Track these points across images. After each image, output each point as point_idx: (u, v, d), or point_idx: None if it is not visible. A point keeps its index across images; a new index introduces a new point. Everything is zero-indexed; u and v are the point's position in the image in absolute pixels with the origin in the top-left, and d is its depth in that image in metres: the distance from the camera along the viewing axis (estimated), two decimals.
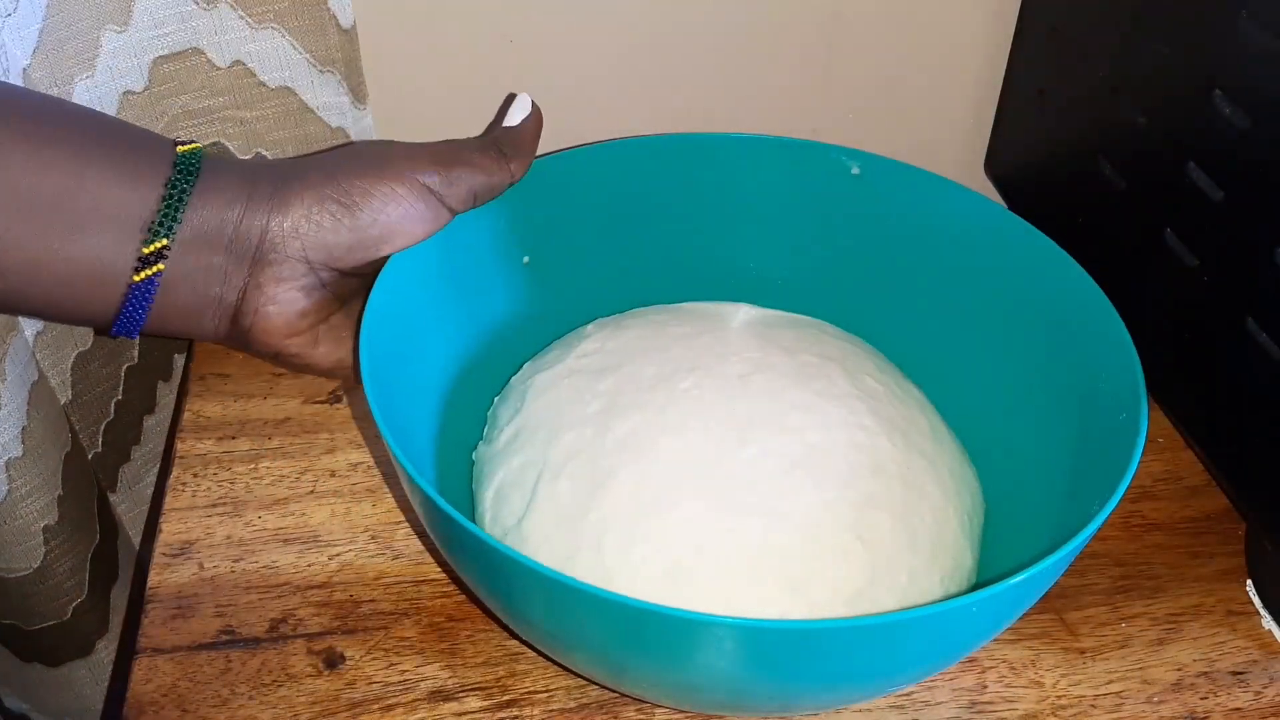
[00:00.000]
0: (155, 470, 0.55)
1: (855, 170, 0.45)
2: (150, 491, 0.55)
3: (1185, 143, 0.41)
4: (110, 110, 0.45)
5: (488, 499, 0.40)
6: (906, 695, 0.38)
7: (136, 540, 0.54)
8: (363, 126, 0.50)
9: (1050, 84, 0.51)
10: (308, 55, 0.47)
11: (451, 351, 0.43)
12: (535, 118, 0.42)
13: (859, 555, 0.36)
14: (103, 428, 0.51)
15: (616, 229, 0.47)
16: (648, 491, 0.37)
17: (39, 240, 0.34)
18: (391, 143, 0.40)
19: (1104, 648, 0.40)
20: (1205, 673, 0.39)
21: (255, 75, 0.47)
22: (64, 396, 0.47)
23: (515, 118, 0.42)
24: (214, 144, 0.49)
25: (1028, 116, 0.54)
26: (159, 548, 0.42)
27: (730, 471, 0.37)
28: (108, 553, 0.49)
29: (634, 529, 0.36)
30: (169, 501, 0.44)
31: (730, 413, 0.39)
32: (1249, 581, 0.42)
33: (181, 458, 0.46)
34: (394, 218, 0.38)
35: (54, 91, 0.42)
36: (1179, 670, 0.39)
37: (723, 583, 0.35)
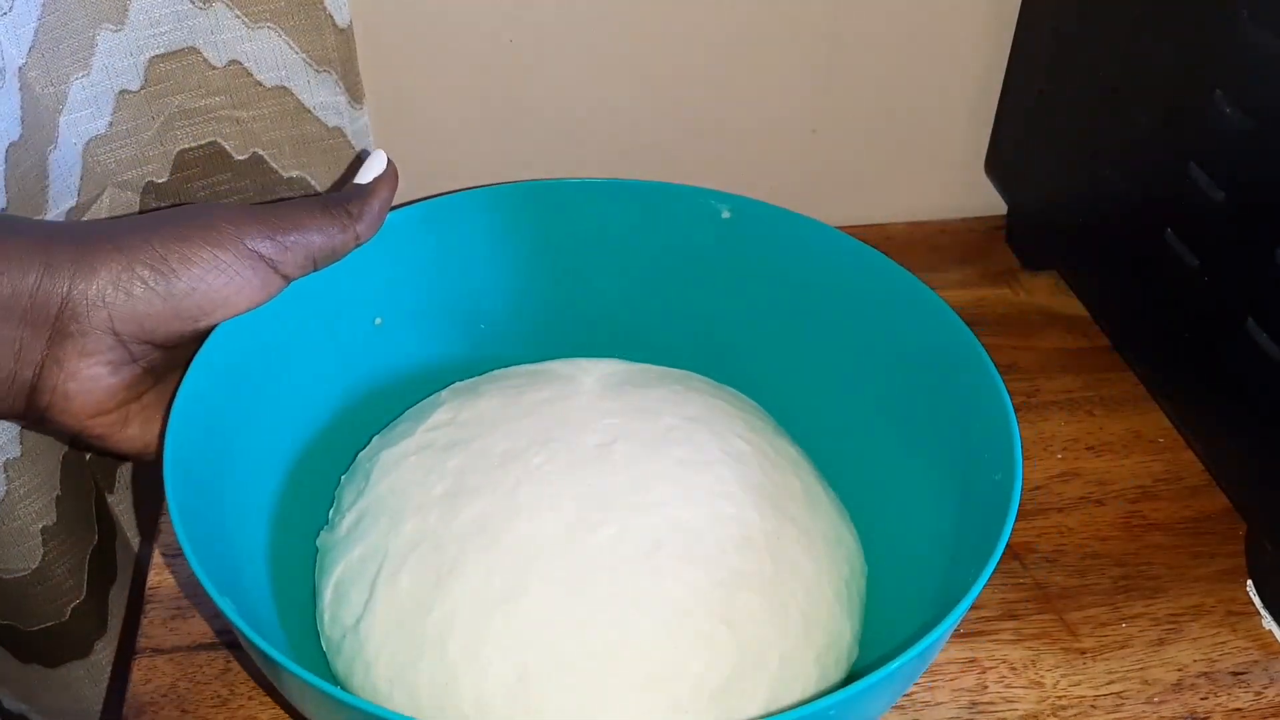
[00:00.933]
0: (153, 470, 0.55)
1: (726, 214, 0.43)
2: (148, 492, 0.55)
3: (1185, 143, 0.41)
4: (106, 109, 0.45)
5: (327, 595, 0.37)
6: (906, 696, 0.38)
7: (135, 541, 0.54)
8: (359, 126, 0.50)
9: (1050, 84, 0.51)
10: (304, 55, 0.47)
11: (297, 423, 0.40)
12: (389, 175, 0.39)
13: (725, 642, 0.34)
14: None
15: (474, 284, 0.44)
16: (495, 584, 0.34)
17: None
18: (218, 204, 0.36)
19: (1104, 648, 0.40)
20: (1206, 673, 0.39)
21: (251, 75, 0.47)
22: None
23: (367, 175, 0.38)
24: (210, 143, 0.49)
25: (1028, 116, 0.54)
26: (158, 548, 0.42)
27: (586, 556, 0.35)
28: (106, 553, 0.49)
29: (480, 628, 0.33)
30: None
31: (587, 490, 0.37)
32: (1249, 581, 0.42)
33: None
34: (216, 287, 0.34)
35: (49, 90, 0.42)
36: (1179, 670, 0.39)
37: (578, 683, 0.33)
